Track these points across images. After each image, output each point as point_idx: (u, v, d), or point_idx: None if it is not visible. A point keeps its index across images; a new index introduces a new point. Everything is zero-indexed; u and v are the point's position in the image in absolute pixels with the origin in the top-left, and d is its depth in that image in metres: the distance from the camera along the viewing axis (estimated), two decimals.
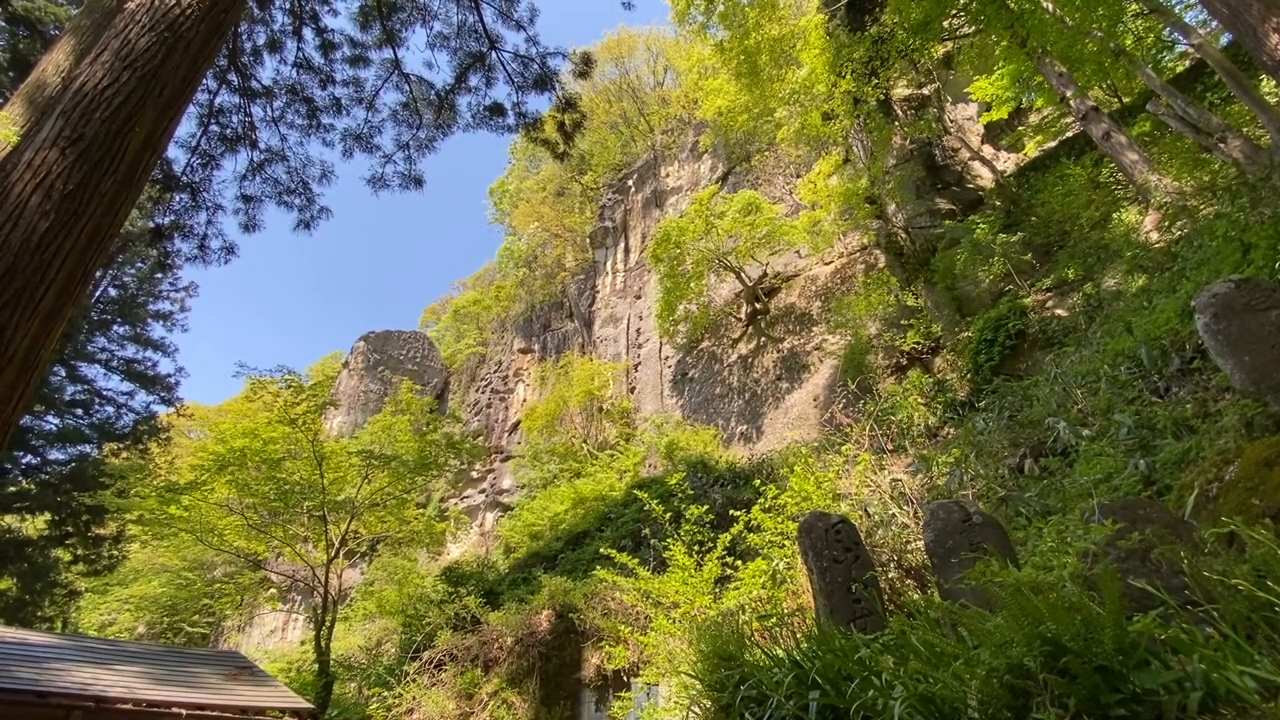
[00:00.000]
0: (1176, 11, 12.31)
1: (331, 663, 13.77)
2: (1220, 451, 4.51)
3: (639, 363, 25.92)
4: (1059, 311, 13.00)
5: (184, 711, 7.37)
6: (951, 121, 20.22)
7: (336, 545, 14.52)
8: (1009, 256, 14.21)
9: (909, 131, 18.93)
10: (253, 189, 11.89)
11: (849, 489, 7.91)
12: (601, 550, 14.06)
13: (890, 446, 11.14)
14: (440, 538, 23.68)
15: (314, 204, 12.47)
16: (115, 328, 20.80)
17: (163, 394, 21.07)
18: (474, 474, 28.86)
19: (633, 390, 25.47)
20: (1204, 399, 6.15)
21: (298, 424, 13.97)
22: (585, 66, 12.08)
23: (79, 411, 19.39)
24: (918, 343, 15.65)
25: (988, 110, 18.59)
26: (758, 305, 21.53)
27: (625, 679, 8.60)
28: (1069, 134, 16.91)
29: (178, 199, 11.36)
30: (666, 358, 24.66)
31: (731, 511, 7.78)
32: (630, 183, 31.00)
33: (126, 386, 20.65)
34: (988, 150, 19.57)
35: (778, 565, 6.65)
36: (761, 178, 24.73)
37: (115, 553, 18.86)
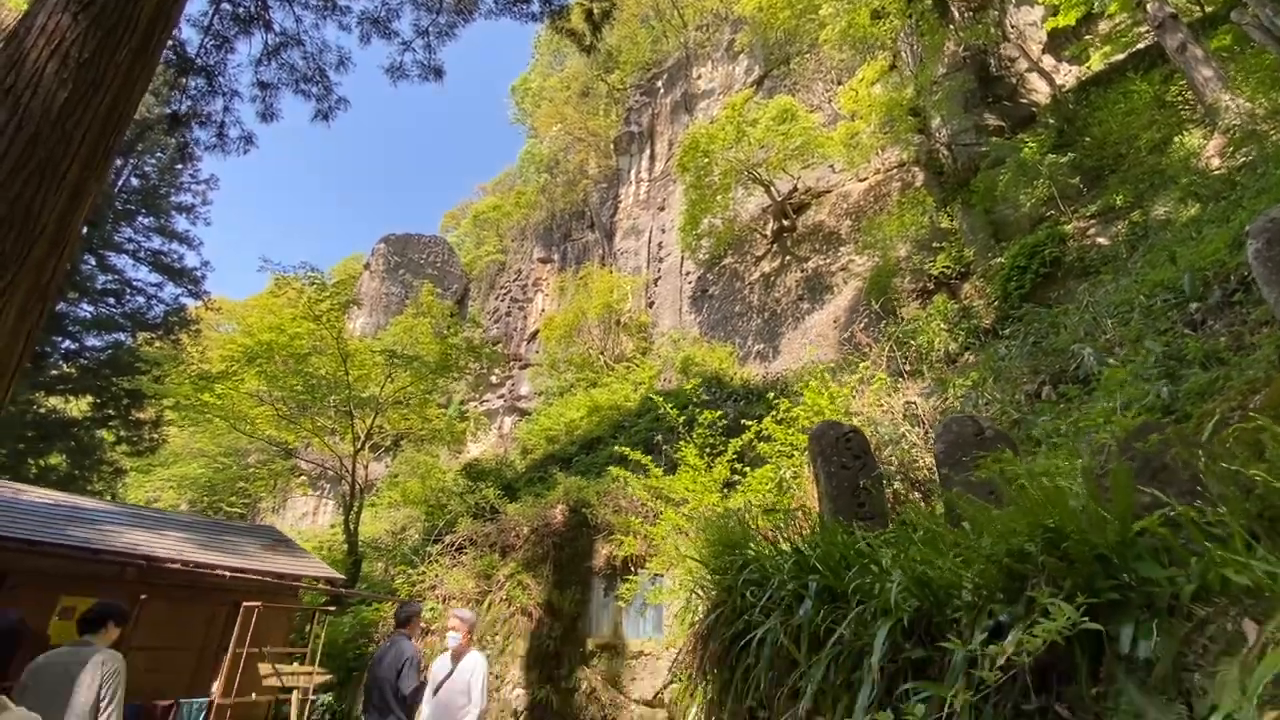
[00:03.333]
0: None
1: (359, 543, 14.80)
2: (1248, 381, 4.43)
3: (659, 277, 25.65)
4: (1100, 240, 12.46)
5: (227, 574, 8.03)
6: (1012, 27, 18.57)
7: (362, 438, 15.19)
8: (1055, 179, 13.48)
9: (964, 36, 17.47)
10: (268, 75, 11.48)
11: (862, 408, 7.98)
12: (616, 450, 14.60)
13: (908, 369, 11.11)
14: (461, 437, 24.63)
15: (331, 93, 12.07)
16: (140, 218, 20.95)
17: (190, 287, 21.49)
18: (493, 379, 29.54)
19: (651, 305, 25.38)
20: (1240, 332, 5.97)
21: (322, 320, 14.25)
22: None
23: (111, 300, 19.93)
24: (947, 267, 15.22)
25: (1054, 15, 16.96)
26: (785, 222, 20.90)
27: (633, 568, 9.15)
28: (1140, 45, 15.48)
29: (193, 83, 11.05)
30: (687, 273, 24.35)
31: (744, 423, 7.94)
32: (659, 84, 29.38)
33: (155, 278, 21.08)
34: (1048, 61, 18.06)
35: (785, 474, 6.85)
36: (800, 83, 23.25)
37: (155, 436, 19.94)
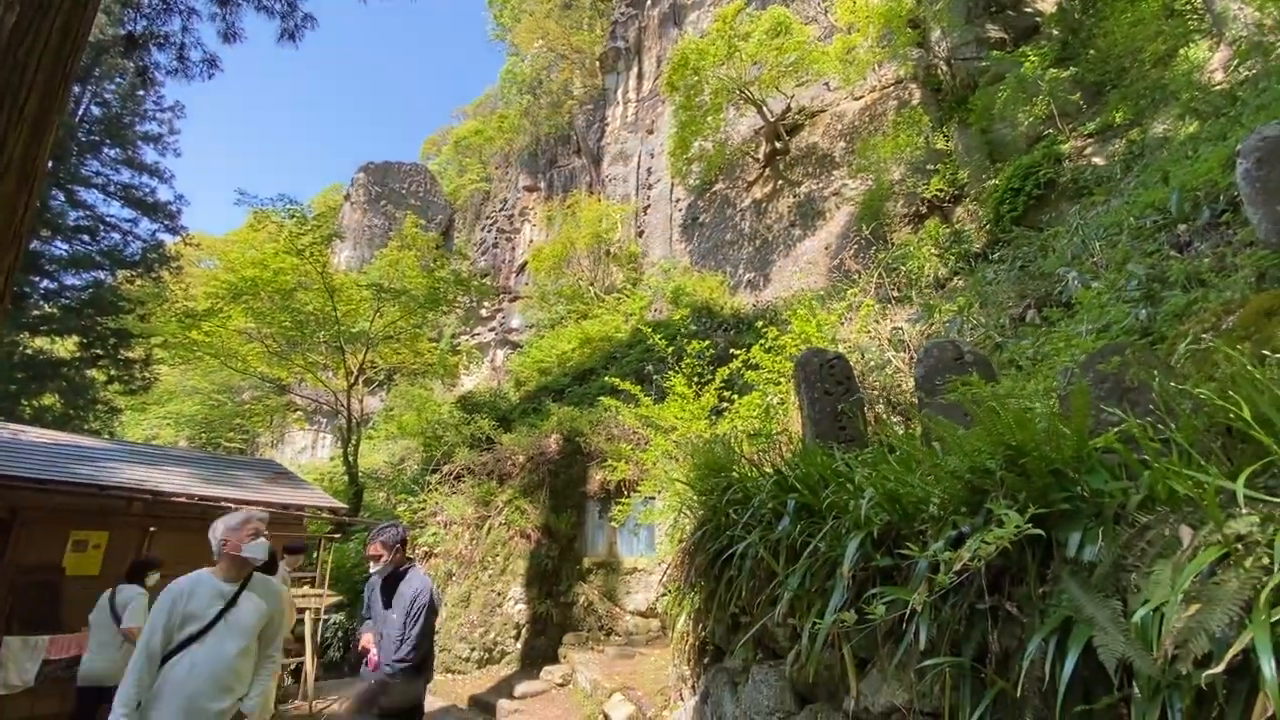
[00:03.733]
0: None
1: (360, 474, 15.21)
2: (1224, 303, 4.51)
3: (648, 205, 25.10)
4: (1096, 160, 12.24)
5: (232, 505, 8.28)
6: None
7: (355, 373, 15.29)
8: (1055, 95, 13.07)
9: None
10: None
11: (849, 334, 8.08)
12: (607, 381, 14.80)
13: (896, 295, 11.16)
14: (454, 370, 24.81)
15: (296, 9, 11.32)
16: (106, 150, 20.07)
17: (166, 222, 20.88)
18: (483, 312, 29.41)
19: (641, 234, 24.97)
20: (1224, 253, 6.01)
21: (305, 255, 13.99)
22: None
23: (85, 238, 19.40)
24: (941, 189, 14.99)
25: None
26: (778, 144, 20.29)
27: (626, 492, 9.52)
28: None
29: (147, 1, 10.35)
30: (677, 200, 23.83)
31: (733, 352, 8.05)
32: None
33: (129, 214, 20.45)
34: None
35: (772, 400, 7.03)
36: None
37: (146, 374, 19.94)
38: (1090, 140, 12.81)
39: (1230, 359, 1.86)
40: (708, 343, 7.92)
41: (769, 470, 3.50)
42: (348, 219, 34.62)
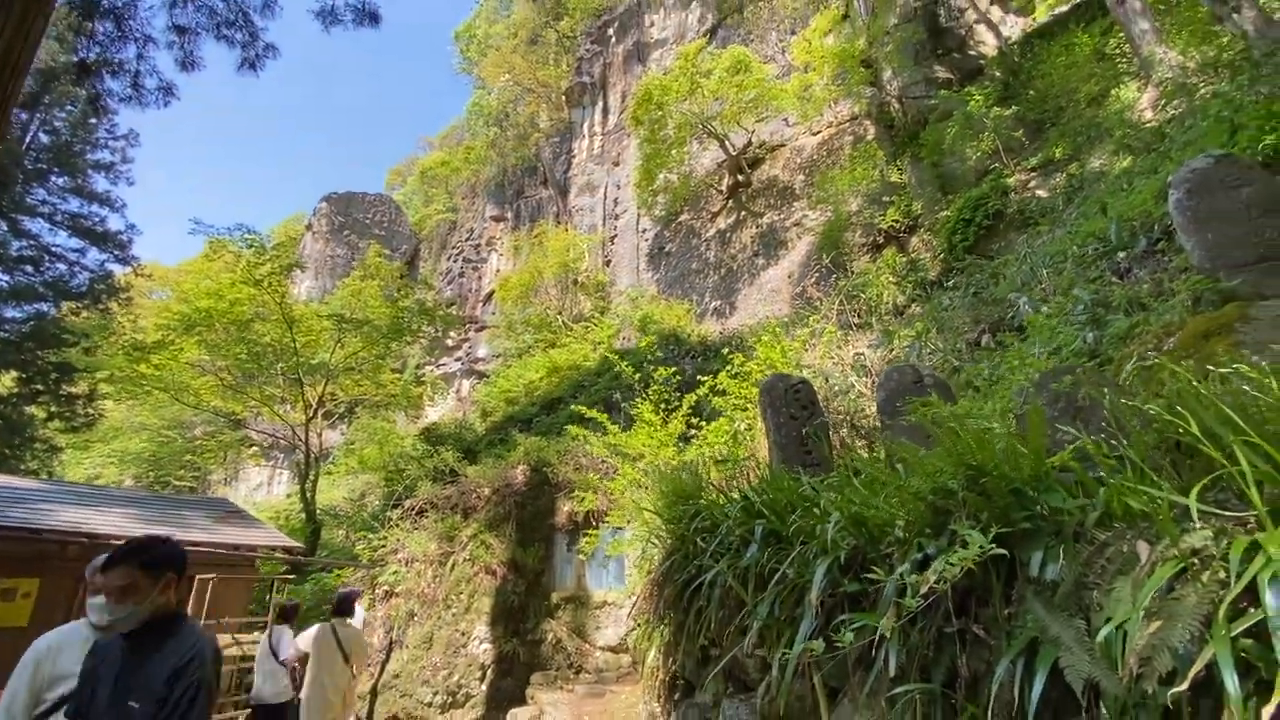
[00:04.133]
0: None
1: (318, 512, 14.61)
2: (1164, 325, 4.72)
3: (615, 235, 25.35)
4: (1040, 192, 12.86)
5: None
6: None
7: (314, 406, 14.81)
8: (1000, 132, 13.76)
9: None
10: (185, 18, 10.59)
11: (813, 360, 8.20)
12: (574, 409, 14.63)
13: (857, 322, 11.41)
14: (418, 401, 24.26)
15: (257, 39, 11.21)
16: (53, 178, 19.41)
17: (116, 252, 20.16)
18: (449, 342, 29.00)
19: (608, 263, 25.14)
20: (1161, 279, 6.32)
21: (263, 285, 13.63)
22: None
23: (28, 268, 18.58)
24: (896, 220, 15.52)
25: None
26: (740, 177, 20.81)
27: (594, 523, 9.34)
28: None
29: (101, 27, 10.12)
30: (644, 230, 24.12)
31: (699, 378, 8.07)
32: (611, 32, 28.36)
33: (76, 243, 19.70)
34: (995, 13, 18.16)
35: (739, 426, 7.04)
36: (754, 33, 22.80)
37: (90, 410, 18.97)
38: (1033, 174, 13.48)
39: (1176, 375, 1.92)
40: (675, 369, 7.91)
41: (736, 496, 3.47)
42: (309, 249, 33.99)
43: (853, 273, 15.16)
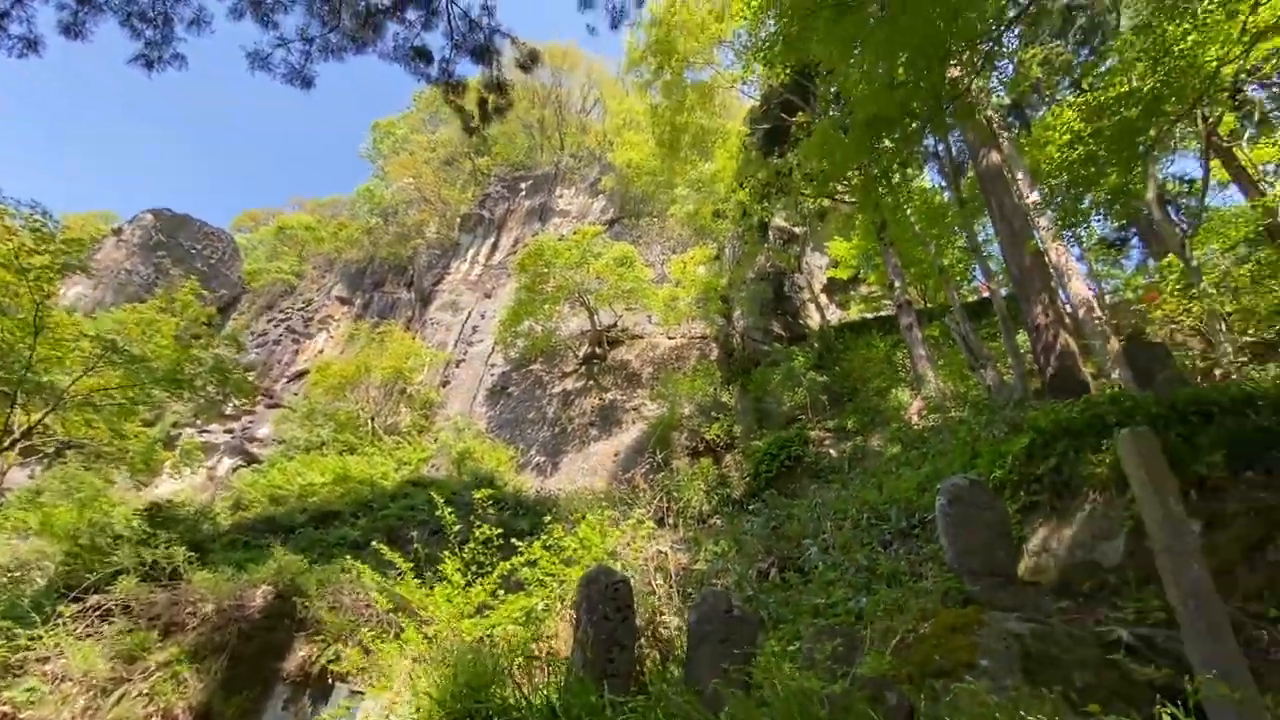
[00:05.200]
0: (985, 256, 15.78)
1: None
2: (922, 609, 5.62)
3: (463, 359, 24.93)
4: (832, 451, 15.23)
5: None
6: (806, 264, 23.24)
7: (16, 434, 11.54)
8: (811, 391, 16.45)
9: (773, 256, 21.42)
10: None
11: (624, 551, 8.31)
12: (352, 532, 12.90)
13: (670, 521, 11.95)
14: (156, 466, 19.86)
15: (169, 44, 10.49)
16: None
17: None
18: (228, 410, 24.94)
19: (446, 384, 24.32)
20: (914, 561, 7.61)
21: (28, 275, 11.15)
22: (530, 62, 11.86)
23: None
24: (719, 435, 17.21)
25: (834, 267, 21.75)
26: (598, 350, 22.14)
27: (330, 680, 7.87)
28: (884, 313, 20.35)
29: None
30: (493, 365, 24.07)
31: (511, 540, 7.72)
32: (523, 186, 30.57)
33: None
34: (823, 299, 22.73)
35: (538, 605, 6.71)
36: (644, 239, 25.96)
37: None
38: (830, 434, 16.05)
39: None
40: (500, 530, 7.53)
41: (541, 705, 3.27)
42: (106, 255, 28.80)
43: (675, 470, 16.17)
